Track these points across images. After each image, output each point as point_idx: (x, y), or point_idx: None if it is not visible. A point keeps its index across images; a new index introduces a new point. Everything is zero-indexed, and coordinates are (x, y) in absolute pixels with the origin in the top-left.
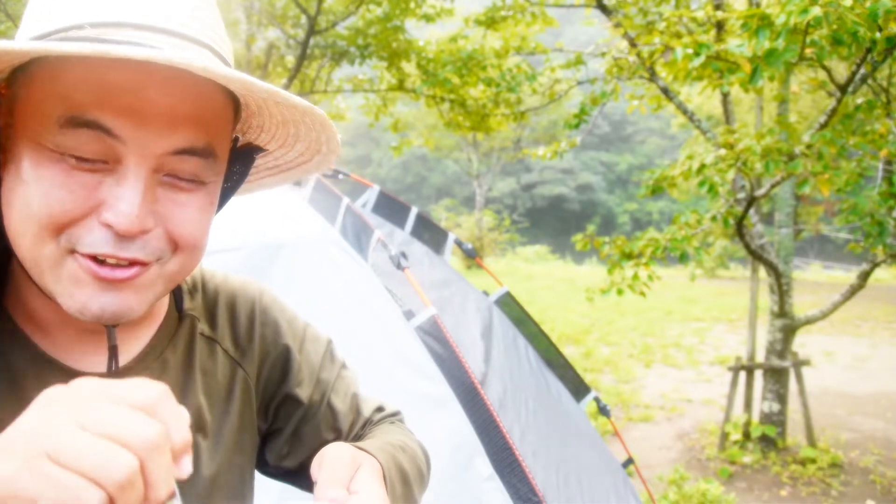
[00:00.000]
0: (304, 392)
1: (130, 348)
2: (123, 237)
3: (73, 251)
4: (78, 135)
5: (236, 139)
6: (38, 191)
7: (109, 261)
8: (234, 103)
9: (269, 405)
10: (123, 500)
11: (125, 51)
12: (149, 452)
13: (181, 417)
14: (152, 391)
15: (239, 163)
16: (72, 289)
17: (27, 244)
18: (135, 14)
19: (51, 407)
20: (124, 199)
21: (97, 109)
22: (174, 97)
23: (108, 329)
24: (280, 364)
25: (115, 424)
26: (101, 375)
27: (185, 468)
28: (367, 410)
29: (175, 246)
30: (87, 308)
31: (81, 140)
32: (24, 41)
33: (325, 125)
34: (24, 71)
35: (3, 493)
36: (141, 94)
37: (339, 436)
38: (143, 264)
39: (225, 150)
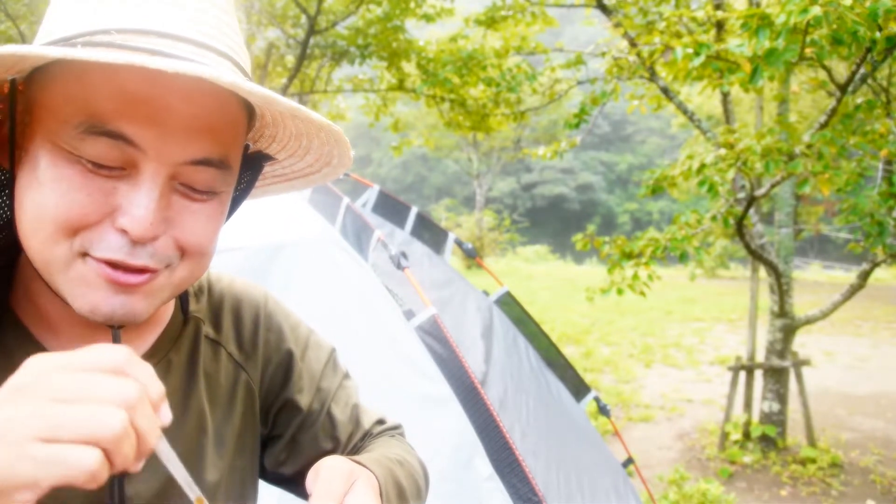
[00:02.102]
0: (303, 399)
1: (135, 349)
2: (136, 243)
3: (85, 254)
4: (98, 142)
5: (247, 146)
6: (54, 192)
7: (121, 266)
8: (248, 113)
9: (269, 410)
10: (120, 452)
11: (157, 63)
12: (133, 407)
13: (150, 372)
14: (118, 354)
15: (248, 170)
16: (83, 289)
17: (39, 244)
18: (159, 22)
19: (23, 392)
20: (140, 205)
21: (118, 119)
22: (195, 107)
23: (114, 330)
24: (282, 369)
25: (95, 388)
26: None
27: (166, 416)
28: (367, 422)
29: (183, 252)
30: (98, 309)
31: (101, 148)
32: (63, 47)
33: (339, 141)
34: (44, 71)
35: (2, 486)
36: (162, 104)
37: (337, 445)
38: (153, 271)
39: (238, 159)
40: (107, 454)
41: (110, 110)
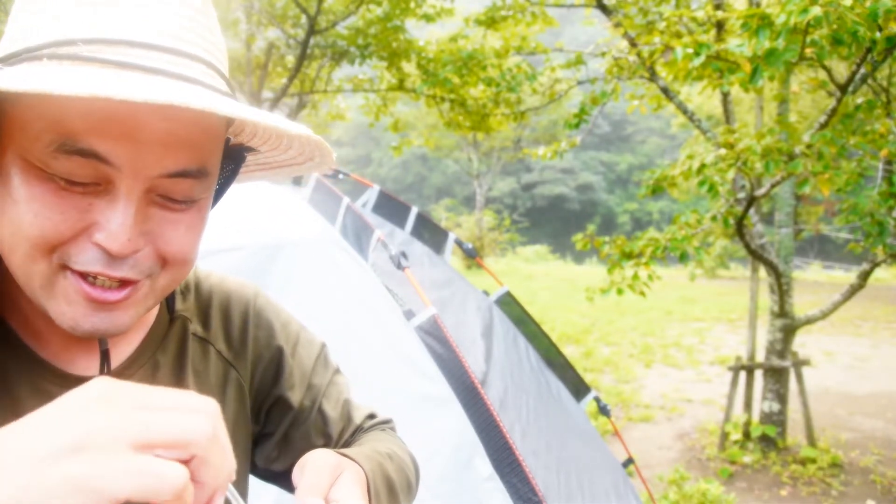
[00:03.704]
0: (295, 396)
1: (122, 351)
2: (115, 257)
3: (64, 267)
4: (70, 161)
5: (228, 139)
6: (28, 211)
7: (100, 278)
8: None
9: (260, 407)
10: (209, 464)
11: (125, 93)
12: (216, 419)
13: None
14: (201, 398)
15: (230, 161)
16: (64, 306)
17: (18, 260)
18: (128, 30)
19: (107, 400)
20: (116, 221)
21: (89, 137)
22: (169, 122)
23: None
24: (273, 366)
25: (180, 398)
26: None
27: (231, 463)
28: (358, 417)
29: (164, 262)
30: (79, 325)
31: (74, 166)
32: (20, 76)
33: (320, 146)
34: None
35: (77, 498)
36: (135, 120)
37: (328, 442)
38: (134, 283)
39: (217, 163)
40: (192, 472)
41: (80, 128)
